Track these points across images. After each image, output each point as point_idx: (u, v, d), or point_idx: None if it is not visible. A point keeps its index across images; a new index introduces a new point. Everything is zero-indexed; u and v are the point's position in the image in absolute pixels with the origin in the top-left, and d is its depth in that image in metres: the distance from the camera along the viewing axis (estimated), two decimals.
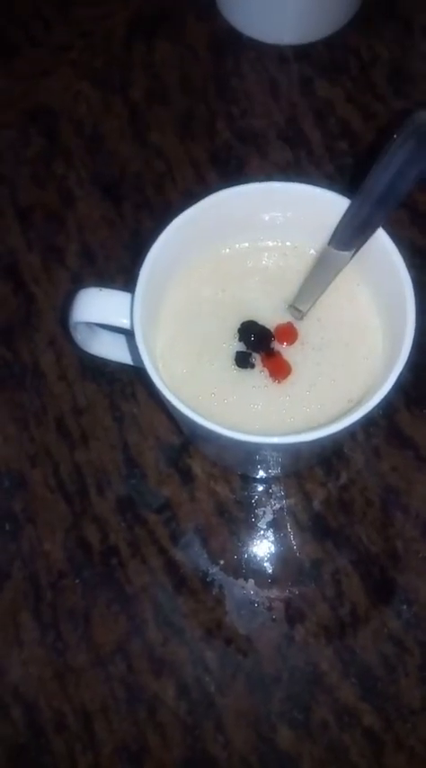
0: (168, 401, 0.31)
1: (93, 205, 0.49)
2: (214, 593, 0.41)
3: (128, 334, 0.36)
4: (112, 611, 0.41)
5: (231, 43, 0.53)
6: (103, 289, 0.35)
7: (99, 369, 0.46)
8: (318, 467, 0.43)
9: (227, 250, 0.38)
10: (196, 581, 0.41)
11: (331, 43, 0.52)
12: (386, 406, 0.32)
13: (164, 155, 0.50)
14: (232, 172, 0.49)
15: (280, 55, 0.52)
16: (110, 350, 0.40)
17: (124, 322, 0.34)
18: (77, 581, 0.42)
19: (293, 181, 0.36)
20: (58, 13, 0.56)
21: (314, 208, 0.36)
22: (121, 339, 0.40)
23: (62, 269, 0.48)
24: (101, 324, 0.35)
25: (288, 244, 0.38)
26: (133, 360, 0.39)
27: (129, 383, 0.45)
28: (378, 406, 0.31)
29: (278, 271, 0.38)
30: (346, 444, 0.43)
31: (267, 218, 0.37)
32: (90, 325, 0.37)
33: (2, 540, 0.43)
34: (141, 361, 0.32)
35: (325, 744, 0.38)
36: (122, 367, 0.42)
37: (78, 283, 0.47)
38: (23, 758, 0.39)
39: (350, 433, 0.32)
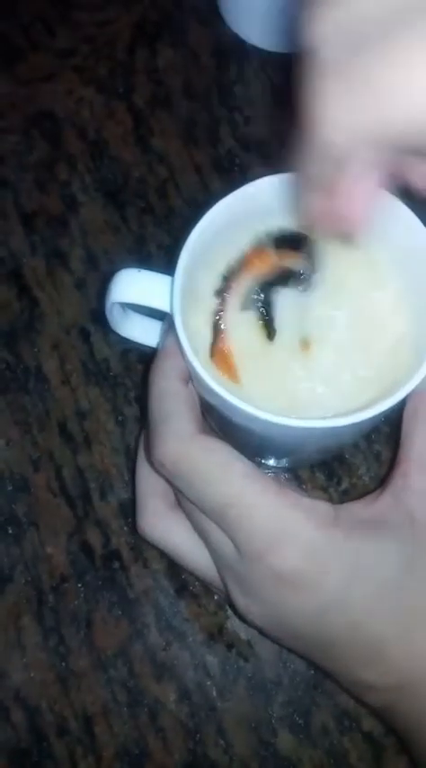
0: (203, 382, 0.30)
1: (97, 210, 0.50)
2: (216, 597, 0.41)
3: (161, 317, 0.36)
4: (114, 615, 0.41)
5: (234, 50, 0.53)
6: (142, 270, 0.35)
7: (102, 373, 0.46)
8: (319, 471, 0.43)
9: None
10: (198, 585, 0.41)
11: None
12: (389, 412, 0.33)
13: (167, 161, 0.51)
14: (235, 179, 0.50)
15: (284, 63, 0.53)
16: (141, 333, 0.40)
17: (161, 303, 0.33)
18: (79, 585, 0.42)
19: None
20: (62, 17, 0.56)
21: None
22: (152, 323, 0.39)
23: (66, 273, 0.48)
24: (138, 304, 0.35)
25: None
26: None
27: (133, 387, 0.45)
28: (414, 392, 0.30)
29: None
30: (347, 450, 0.43)
31: None
32: (124, 307, 0.37)
33: (4, 544, 0.43)
34: (178, 343, 0.31)
35: (326, 748, 0.39)
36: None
37: (82, 288, 0.48)
38: (25, 762, 0.39)
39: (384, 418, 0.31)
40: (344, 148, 0.23)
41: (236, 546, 0.29)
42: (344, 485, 0.43)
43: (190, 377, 0.32)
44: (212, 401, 0.31)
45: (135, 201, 0.50)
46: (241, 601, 0.31)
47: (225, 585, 0.32)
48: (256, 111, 0.52)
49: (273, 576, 0.29)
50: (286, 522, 0.29)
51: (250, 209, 0.35)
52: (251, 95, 0.52)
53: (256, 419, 0.29)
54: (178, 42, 0.54)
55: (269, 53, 0.53)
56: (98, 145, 0.52)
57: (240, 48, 0.53)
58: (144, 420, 0.36)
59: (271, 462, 0.42)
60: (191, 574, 0.35)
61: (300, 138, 0.24)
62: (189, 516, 0.33)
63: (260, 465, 0.42)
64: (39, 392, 0.46)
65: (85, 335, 0.47)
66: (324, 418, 0.30)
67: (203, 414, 0.33)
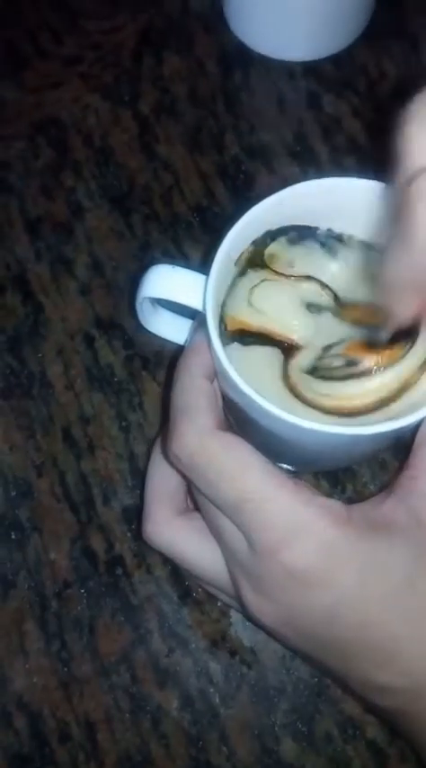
0: (232, 381, 0.30)
1: (102, 217, 0.50)
2: (219, 604, 0.41)
3: (190, 315, 0.36)
4: (117, 621, 0.41)
5: (240, 58, 0.54)
6: (176, 266, 0.34)
7: (106, 379, 0.46)
8: (324, 479, 0.43)
9: None
10: (201, 592, 0.41)
11: (339, 59, 0.53)
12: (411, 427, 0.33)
13: (173, 167, 0.51)
14: (240, 186, 0.50)
15: (289, 70, 0.53)
16: (170, 330, 0.40)
17: (193, 301, 0.33)
18: (82, 591, 0.42)
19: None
20: (68, 25, 0.57)
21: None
22: (181, 320, 0.39)
23: (71, 279, 0.48)
24: (169, 301, 0.35)
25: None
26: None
27: (137, 393, 0.45)
28: None
29: None
30: None
31: (350, 209, 0.35)
32: (154, 303, 0.37)
33: (8, 549, 0.43)
34: (208, 339, 0.31)
35: (329, 756, 0.39)
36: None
37: (87, 294, 0.48)
38: None
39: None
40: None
41: (249, 542, 0.29)
42: (349, 492, 0.43)
43: (216, 374, 0.32)
44: (237, 399, 0.31)
45: (140, 208, 0.50)
46: (252, 599, 0.30)
47: (235, 584, 0.32)
48: (261, 119, 0.52)
49: (286, 573, 0.29)
50: (301, 518, 0.28)
51: (291, 212, 0.34)
52: (256, 103, 0.52)
53: (279, 420, 0.29)
54: (184, 50, 0.54)
55: (274, 61, 0.53)
56: (103, 151, 0.52)
57: (245, 56, 0.54)
58: (164, 418, 0.36)
59: (285, 466, 0.42)
60: (197, 579, 0.35)
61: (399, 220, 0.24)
62: (202, 511, 0.32)
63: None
64: (44, 397, 0.46)
65: (90, 341, 0.47)
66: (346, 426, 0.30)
67: (225, 413, 0.33)
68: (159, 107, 0.53)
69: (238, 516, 0.29)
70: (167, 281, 0.34)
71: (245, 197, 0.49)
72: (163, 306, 0.38)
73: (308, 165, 0.50)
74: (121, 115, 0.53)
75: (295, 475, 0.43)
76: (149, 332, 0.40)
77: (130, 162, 0.51)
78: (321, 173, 0.50)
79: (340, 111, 0.52)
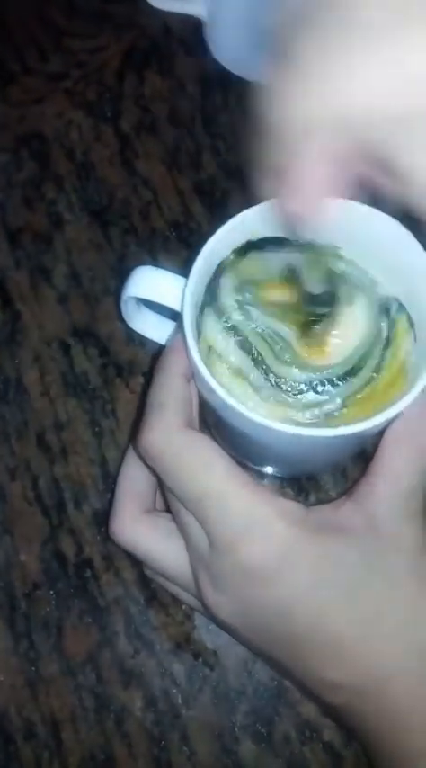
0: (205, 382, 0.31)
1: (81, 229, 0.51)
2: (184, 607, 0.42)
3: (173, 316, 0.37)
4: (84, 623, 0.42)
5: (219, 80, 0.56)
6: (159, 269, 0.36)
7: (81, 386, 0.47)
8: (288, 486, 0.44)
9: None
10: (167, 595, 0.42)
11: None
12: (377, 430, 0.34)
13: (151, 184, 0.52)
14: (216, 203, 0.52)
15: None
16: (152, 329, 0.41)
17: (172, 302, 0.34)
18: (51, 592, 0.43)
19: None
20: (55, 44, 0.58)
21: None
22: (164, 321, 0.41)
23: (49, 288, 0.49)
24: (151, 301, 0.36)
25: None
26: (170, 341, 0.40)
27: (110, 400, 0.47)
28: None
29: None
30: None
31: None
32: (139, 303, 0.39)
33: None
34: (184, 341, 0.32)
35: (287, 757, 0.40)
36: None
37: (64, 303, 0.49)
38: None
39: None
40: (296, 130, 0.26)
41: (209, 538, 0.31)
42: (312, 499, 0.44)
43: (193, 375, 0.33)
44: (210, 399, 0.32)
45: (118, 222, 0.51)
46: (210, 595, 0.32)
47: (196, 580, 0.33)
48: (238, 139, 0.54)
49: (241, 569, 0.30)
50: (258, 517, 0.30)
51: (269, 225, 0.36)
52: (233, 124, 0.54)
53: (245, 418, 0.30)
54: (165, 71, 0.56)
55: (251, 84, 0.55)
56: (85, 166, 0.53)
57: (224, 78, 0.55)
58: (139, 420, 0.37)
59: (266, 470, 0.43)
60: (161, 576, 0.36)
61: (260, 127, 0.27)
62: (170, 506, 0.34)
63: (250, 469, 0.43)
64: (19, 402, 0.47)
65: (65, 349, 0.48)
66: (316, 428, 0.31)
67: (202, 414, 0.35)
68: (140, 125, 0.55)
69: (199, 512, 0.31)
70: (149, 282, 0.36)
71: (221, 214, 0.51)
72: (148, 306, 0.40)
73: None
74: (103, 131, 0.54)
75: (263, 478, 0.44)
76: (128, 338, 0.41)
77: (110, 177, 0.53)
78: None
79: None
